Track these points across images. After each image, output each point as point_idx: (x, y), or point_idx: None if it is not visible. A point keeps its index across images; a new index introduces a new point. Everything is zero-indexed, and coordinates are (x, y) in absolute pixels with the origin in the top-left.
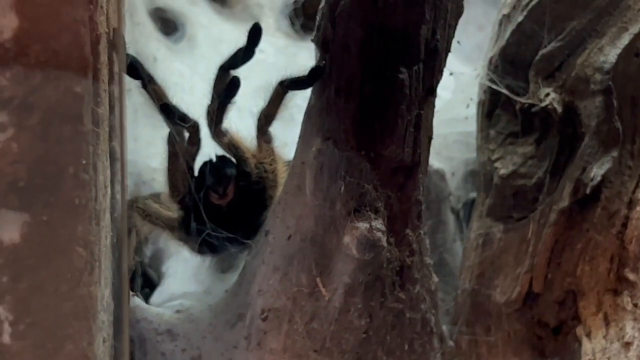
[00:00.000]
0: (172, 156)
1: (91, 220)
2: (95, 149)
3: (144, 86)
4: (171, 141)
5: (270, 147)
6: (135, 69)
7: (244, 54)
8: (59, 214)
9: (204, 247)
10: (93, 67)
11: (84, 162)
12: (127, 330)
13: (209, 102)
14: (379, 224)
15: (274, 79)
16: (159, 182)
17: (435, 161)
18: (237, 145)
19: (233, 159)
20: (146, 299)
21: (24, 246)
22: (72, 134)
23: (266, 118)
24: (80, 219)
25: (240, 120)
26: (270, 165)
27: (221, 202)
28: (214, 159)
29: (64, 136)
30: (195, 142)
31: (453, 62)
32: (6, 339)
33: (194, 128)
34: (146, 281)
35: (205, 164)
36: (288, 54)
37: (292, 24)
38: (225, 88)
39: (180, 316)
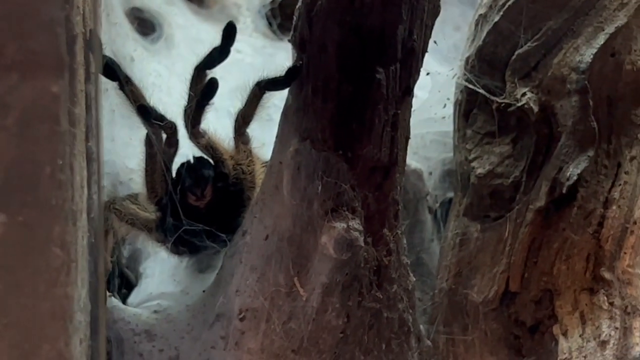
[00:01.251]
0: (150, 157)
1: (68, 220)
2: (71, 149)
3: (121, 87)
4: (149, 142)
5: (248, 148)
6: (113, 70)
7: (219, 54)
8: (35, 214)
9: (182, 247)
10: (69, 67)
11: (61, 162)
12: (104, 331)
13: (186, 103)
14: (356, 223)
15: (251, 80)
16: (137, 182)
17: (412, 161)
18: (215, 146)
19: (211, 161)
20: (124, 299)
21: (0, 246)
22: (49, 134)
23: (243, 119)
24: (57, 219)
25: (218, 121)
26: (248, 166)
27: (199, 203)
28: (192, 161)
29: (40, 136)
30: (172, 143)
31: (430, 62)
32: None
33: (172, 129)
34: (124, 282)
35: (182, 165)
36: (265, 54)
37: (270, 24)
38: (202, 89)
39: (158, 316)
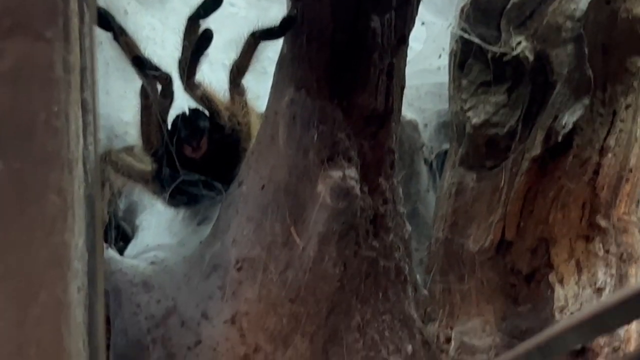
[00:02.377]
0: (145, 109)
1: (64, 168)
2: (67, 97)
3: (116, 38)
4: (144, 94)
5: (243, 100)
6: (107, 21)
7: (212, 3)
8: (31, 162)
9: (178, 199)
10: (63, 14)
11: (56, 109)
12: (102, 280)
13: (181, 54)
14: (352, 172)
15: (246, 32)
16: (132, 135)
17: (407, 112)
18: (210, 97)
19: (206, 112)
20: (120, 252)
21: None
22: (43, 80)
23: (238, 70)
24: (53, 167)
25: (212, 73)
26: (244, 117)
27: (195, 155)
28: (187, 112)
29: (34, 83)
30: (168, 94)
31: (424, 13)
32: None
33: (167, 81)
34: (120, 234)
35: (178, 117)
36: (260, 7)
37: None
38: (197, 40)
39: (155, 268)
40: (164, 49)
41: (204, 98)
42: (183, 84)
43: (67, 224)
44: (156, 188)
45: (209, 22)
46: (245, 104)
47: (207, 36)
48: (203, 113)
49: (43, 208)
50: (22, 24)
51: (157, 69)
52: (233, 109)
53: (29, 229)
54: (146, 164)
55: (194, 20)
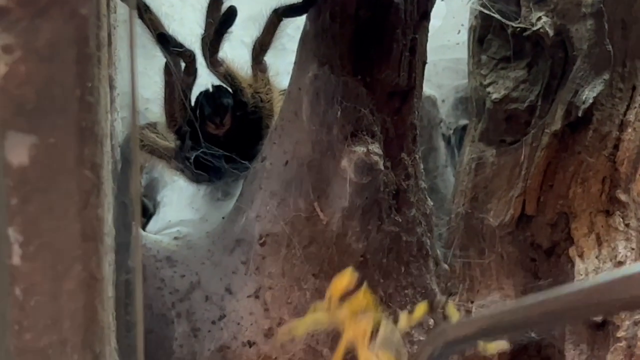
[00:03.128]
0: (169, 86)
1: (97, 143)
2: (98, 73)
3: (140, 15)
4: (168, 71)
5: (266, 77)
6: None
7: None
8: (66, 137)
9: (201, 175)
10: None
11: (90, 85)
12: (139, 257)
13: (204, 32)
14: (375, 147)
15: (265, 9)
16: (152, 111)
17: (426, 88)
18: (233, 75)
19: (229, 89)
20: (143, 227)
21: (32, 168)
22: (78, 56)
23: (261, 47)
24: (87, 142)
25: (232, 51)
26: (267, 94)
27: (218, 131)
28: (211, 89)
29: (70, 58)
30: (191, 72)
31: None
32: (16, 260)
33: (190, 58)
34: (142, 210)
35: (201, 94)
36: None
37: None
38: (221, 17)
39: (179, 243)
40: (183, 26)
41: (227, 75)
42: (206, 61)
43: (100, 199)
44: (179, 165)
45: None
46: (267, 81)
47: (231, 13)
48: (226, 90)
49: (78, 183)
50: (58, 1)
51: (181, 46)
52: (256, 86)
53: (64, 203)
54: (169, 141)
55: None
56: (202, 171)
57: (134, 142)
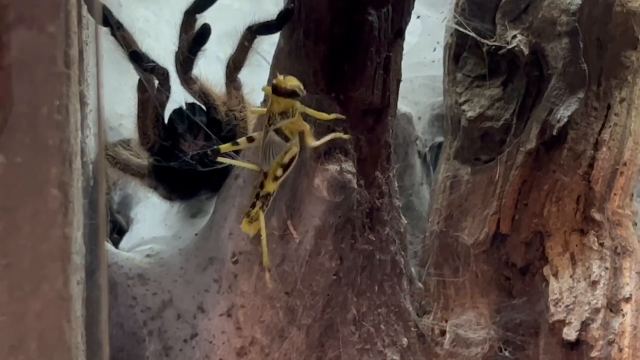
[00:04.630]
0: (142, 103)
1: (65, 161)
2: (67, 90)
3: (113, 33)
4: (141, 88)
5: (240, 94)
6: (105, 16)
7: None
8: (33, 155)
9: (174, 193)
10: (65, 7)
11: (57, 103)
12: (105, 274)
13: (177, 49)
14: (349, 166)
15: (240, 25)
16: (126, 128)
17: (402, 105)
18: (207, 92)
19: (203, 107)
20: (115, 244)
21: None
22: (46, 74)
23: (235, 64)
24: (54, 160)
25: (207, 66)
26: (241, 112)
27: (191, 150)
28: (184, 107)
29: (37, 76)
30: (165, 89)
31: (419, 7)
32: None
33: (164, 75)
34: (115, 227)
35: (175, 111)
36: (253, 0)
37: None
38: (195, 35)
39: (151, 260)
40: (158, 41)
41: (201, 93)
42: (180, 78)
43: (68, 218)
44: (152, 182)
45: (203, 15)
46: (242, 99)
47: (205, 31)
48: (200, 108)
49: (44, 201)
50: (26, 17)
51: (154, 63)
52: (230, 103)
53: (31, 222)
54: (142, 158)
55: (190, 14)
56: (175, 189)
57: (99, 159)
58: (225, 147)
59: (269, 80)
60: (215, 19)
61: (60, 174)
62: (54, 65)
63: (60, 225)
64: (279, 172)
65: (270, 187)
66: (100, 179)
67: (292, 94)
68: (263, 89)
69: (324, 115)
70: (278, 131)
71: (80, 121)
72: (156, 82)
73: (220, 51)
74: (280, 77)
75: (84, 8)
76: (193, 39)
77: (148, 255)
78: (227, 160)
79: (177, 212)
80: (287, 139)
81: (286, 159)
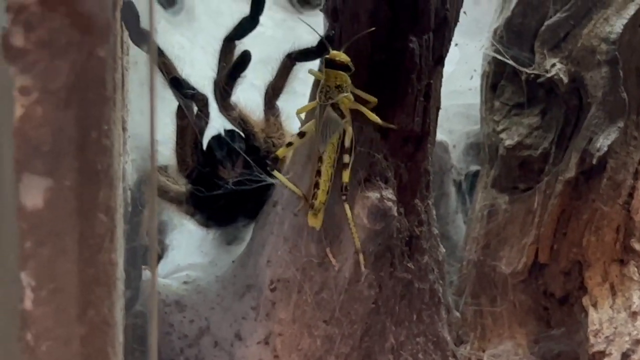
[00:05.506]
0: (181, 130)
1: (112, 186)
2: (114, 115)
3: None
4: (180, 115)
5: (278, 121)
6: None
7: (248, 23)
8: (81, 179)
9: (211, 220)
10: (114, 32)
11: (106, 127)
12: (155, 302)
13: (216, 75)
14: (389, 193)
15: (274, 52)
16: (164, 155)
17: (437, 133)
18: (246, 119)
19: (242, 134)
20: None
21: (47, 211)
22: (96, 98)
23: (274, 91)
24: (102, 185)
25: (243, 93)
26: (279, 139)
27: (230, 176)
28: (223, 134)
29: (87, 101)
30: (204, 115)
31: (456, 35)
32: (28, 304)
33: (203, 101)
34: None
35: (214, 138)
36: (286, 27)
37: None
38: (235, 61)
39: (188, 287)
40: (193, 67)
41: (240, 119)
42: (218, 104)
43: (114, 244)
44: (190, 209)
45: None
46: (280, 126)
47: (245, 57)
48: (239, 134)
49: (92, 226)
50: (77, 42)
51: (194, 89)
52: (268, 130)
53: (79, 246)
54: (180, 185)
55: (230, 40)
56: (213, 216)
57: (151, 184)
58: (281, 151)
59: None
60: (249, 46)
61: (108, 199)
62: (104, 89)
63: (107, 250)
64: (346, 158)
65: (345, 176)
66: (150, 203)
67: (346, 67)
68: (298, 112)
69: (373, 99)
70: (334, 106)
71: (122, 146)
72: (195, 108)
73: (256, 78)
74: (334, 52)
75: (125, 33)
76: (233, 66)
77: (185, 282)
78: (279, 176)
79: (213, 239)
80: (342, 116)
81: (347, 143)
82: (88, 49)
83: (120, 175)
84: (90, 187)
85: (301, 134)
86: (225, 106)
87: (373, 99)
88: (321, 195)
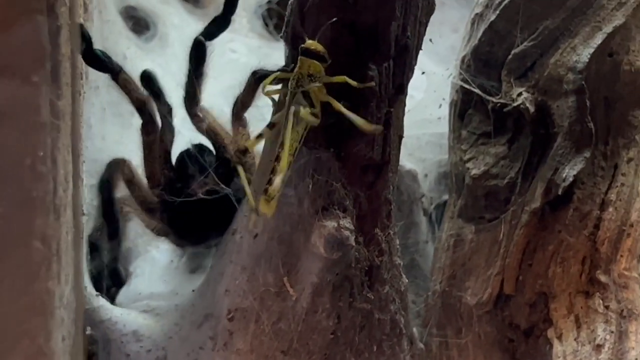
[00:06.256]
0: (148, 146)
1: (49, 214)
2: (54, 142)
3: (114, 78)
4: (146, 130)
5: (247, 132)
6: (104, 62)
7: (219, 23)
8: (15, 207)
9: (185, 238)
10: (52, 58)
11: (42, 154)
12: (81, 328)
13: (185, 81)
14: (347, 222)
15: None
16: None
17: (407, 162)
18: (216, 131)
19: (211, 147)
20: (112, 298)
21: None
22: (29, 124)
23: (242, 105)
24: (38, 212)
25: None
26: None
27: (201, 190)
28: (192, 148)
29: (20, 127)
30: (169, 130)
31: (426, 63)
32: None
33: (168, 109)
34: (115, 278)
35: (182, 153)
36: (261, 54)
37: (266, 24)
38: (191, 55)
39: (146, 316)
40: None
41: (210, 132)
42: (188, 114)
43: (52, 272)
44: (164, 228)
45: (210, 68)
46: (248, 136)
47: (199, 46)
48: (208, 148)
49: (27, 254)
50: (9, 67)
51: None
52: (237, 141)
53: (12, 275)
54: (152, 202)
55: (199, 42)
56: (186, 233)
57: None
58: (251, 143)
59: None
60: (221, 72)
61: (45, 227)
62: (38, 116)
63: (42, 279)
64: (296, 144)
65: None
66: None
67: (322, 57)
68: (266, 92)
69: (352, 82)
70: (305, 95)
71: (72, 173)
72: (160, 122)
73: (226, 104)
74: (310, 41)
75: (80, 60)
76: (192, 61)
77: (144, 311)
78: (240, 171)
79: (177, 267)
80: (312, 105)
81: (300, 129)
82: (21, 75)
83: (67, 202)
84: (24, 215)
85: (271, 125)
86: (194, 114)
87: (352, 83)
88: (277, 181)
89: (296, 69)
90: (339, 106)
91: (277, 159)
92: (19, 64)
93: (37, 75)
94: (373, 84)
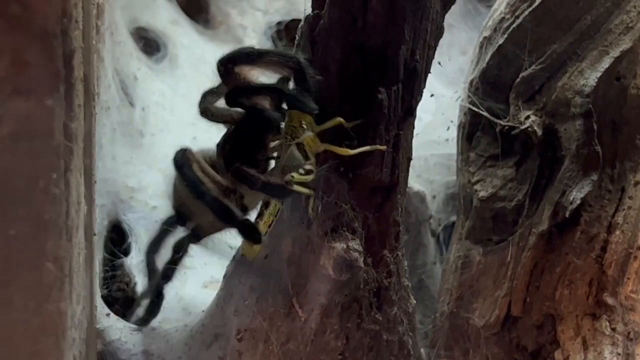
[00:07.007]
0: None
1: (62, 235)
2: (67, 164)
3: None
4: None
5: None
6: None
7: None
8: (27, 229)
9: None
10: (66, 81)
11: (55, 176)
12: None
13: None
14: (356, 244)
15: None
16: (138, 200)
17: (415, 184)
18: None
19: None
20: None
21: None
22: (43, 147)
23: None
24: (50, 234)
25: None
26: None
27: None
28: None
29: (34, 149)
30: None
31: (435, 85)
32: None
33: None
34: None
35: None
36: (269, 74)
37: (275, 46)
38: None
39: (156, 335)
40: (173, 114)
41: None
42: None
43: (64, 292)
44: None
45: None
46: None
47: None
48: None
49: (39, 276)
50: (23, 90)
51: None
52: None
53: (24, 296)
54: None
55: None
56: None
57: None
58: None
59: None
60: None
61: (57, 248)
62: (51, 139)
63: (54, 300)
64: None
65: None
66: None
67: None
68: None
69: (343, 122)
70: (299, 147)
71: (85, 194)
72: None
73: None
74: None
75: (94, 82)
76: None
77: (153, 329)
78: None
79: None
80: (306, 157)
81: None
82: (35, 98)
83: (79, 223)
84: (36, 237)
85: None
86: None
87: (343, 123)
88: (262, 227)
89: (286, 122)
90: (340, 150)
91: (267, 205)
92: (33, 87)
93: (51, 98)
94: (361, 121)
